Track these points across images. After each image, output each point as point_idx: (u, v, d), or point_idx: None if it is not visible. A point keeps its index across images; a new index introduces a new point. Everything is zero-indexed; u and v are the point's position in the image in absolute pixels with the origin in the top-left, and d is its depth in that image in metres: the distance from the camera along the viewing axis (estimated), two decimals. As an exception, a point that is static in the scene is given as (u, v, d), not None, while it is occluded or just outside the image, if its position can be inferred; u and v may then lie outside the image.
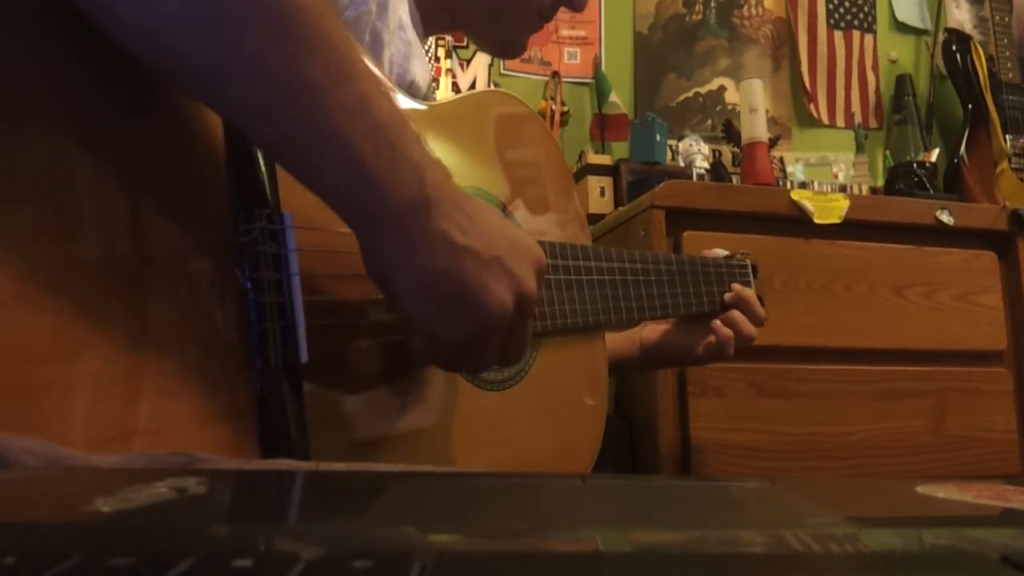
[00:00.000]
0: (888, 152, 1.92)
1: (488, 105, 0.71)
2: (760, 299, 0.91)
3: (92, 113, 0.38)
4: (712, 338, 0.86)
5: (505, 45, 0.80)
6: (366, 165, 0.41)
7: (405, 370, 0.55)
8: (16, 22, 0.36)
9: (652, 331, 0.92)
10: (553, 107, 1.75)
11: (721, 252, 0.91)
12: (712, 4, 2.03)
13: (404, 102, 0.60)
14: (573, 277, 0.70)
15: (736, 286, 0.88)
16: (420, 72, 0.72)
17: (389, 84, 0.58)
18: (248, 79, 0.39)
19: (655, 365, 0.98)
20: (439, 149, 0.60)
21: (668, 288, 0.81)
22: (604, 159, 1.72)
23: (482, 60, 1.84)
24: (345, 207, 0.43)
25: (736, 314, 0.87)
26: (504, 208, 0.67)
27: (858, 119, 2.04)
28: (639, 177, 1.64)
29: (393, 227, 0.43)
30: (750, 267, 0.92)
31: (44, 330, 0.34)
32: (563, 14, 0.81)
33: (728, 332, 0.85)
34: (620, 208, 1.50)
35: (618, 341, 0.93)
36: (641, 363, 0.93)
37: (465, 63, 1.82)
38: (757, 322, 0.88)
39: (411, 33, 0.71)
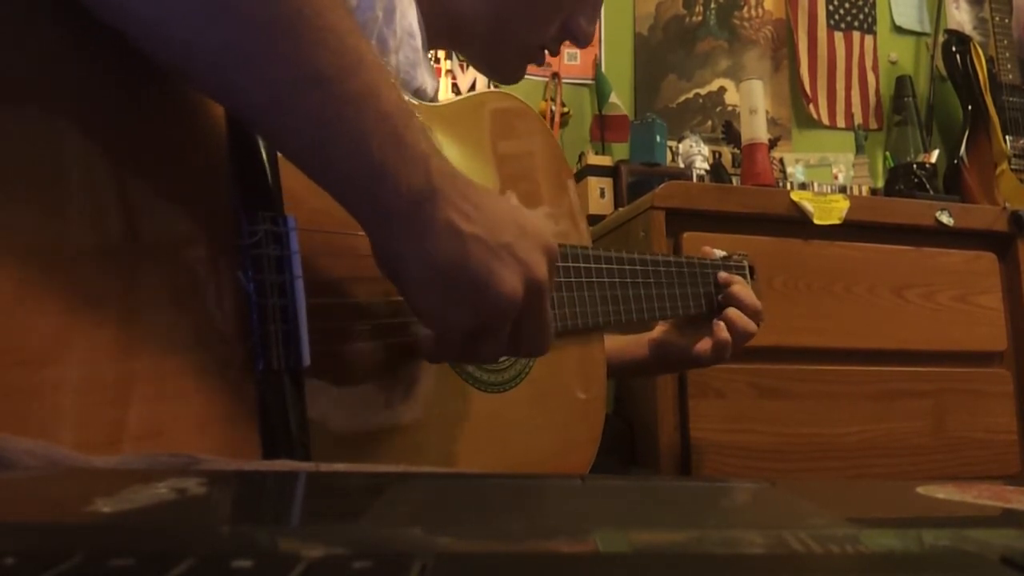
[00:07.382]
0: (888, 153, 1.92)
1: (485, 103, 0.71)
2: None
3: (92, 109, 0.38)
4: (710, 341, 0.83)
5: (503, 73, 0.79)
6: (374, 158, 0.41)
7: (410, 369, 0.55)
8: (16, 12, 0.35)
9: (658, 331, 0.89)
10: (553, 108, 1.75)
11: (718, 252, 0.91)
12: (712, 5, 2.03)
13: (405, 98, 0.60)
14: (573, 279, 0.70)
15: (723, 275, 0.86)
16: (428, 80, 0.71)
17: (394, 75, 0.57)
18: (255, 73, 0.38)
19: (659, 367, 0.95)
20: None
21: (667, 289, 0.81)
22: (604, 160, 1.72)
23: (482, 61, 1.84)
24: (353, 200, 0.43)
25: (732, 312, 0.84)
26: None
27: (858, 120, 2.04)
28: (639, 178, 1.64)
29: (401, 219, 0.43)
30: (747, 268, 0.91)
31: (42, 331, 0.34)
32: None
33: (726, 336, 0.82)
34: (620, 209, 1.50)
35: (628, 342, 0.91)
36: (649, 364, 0.90)
37: (464, 64, 1.82)
38: (753, 315, 0.85)
39: (419, 41, 0.70)
